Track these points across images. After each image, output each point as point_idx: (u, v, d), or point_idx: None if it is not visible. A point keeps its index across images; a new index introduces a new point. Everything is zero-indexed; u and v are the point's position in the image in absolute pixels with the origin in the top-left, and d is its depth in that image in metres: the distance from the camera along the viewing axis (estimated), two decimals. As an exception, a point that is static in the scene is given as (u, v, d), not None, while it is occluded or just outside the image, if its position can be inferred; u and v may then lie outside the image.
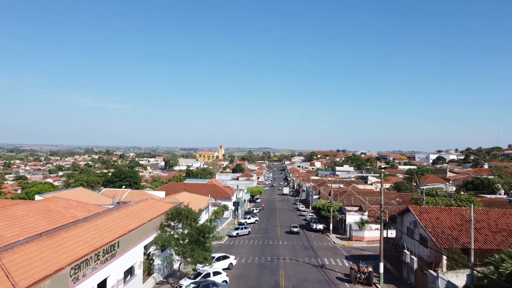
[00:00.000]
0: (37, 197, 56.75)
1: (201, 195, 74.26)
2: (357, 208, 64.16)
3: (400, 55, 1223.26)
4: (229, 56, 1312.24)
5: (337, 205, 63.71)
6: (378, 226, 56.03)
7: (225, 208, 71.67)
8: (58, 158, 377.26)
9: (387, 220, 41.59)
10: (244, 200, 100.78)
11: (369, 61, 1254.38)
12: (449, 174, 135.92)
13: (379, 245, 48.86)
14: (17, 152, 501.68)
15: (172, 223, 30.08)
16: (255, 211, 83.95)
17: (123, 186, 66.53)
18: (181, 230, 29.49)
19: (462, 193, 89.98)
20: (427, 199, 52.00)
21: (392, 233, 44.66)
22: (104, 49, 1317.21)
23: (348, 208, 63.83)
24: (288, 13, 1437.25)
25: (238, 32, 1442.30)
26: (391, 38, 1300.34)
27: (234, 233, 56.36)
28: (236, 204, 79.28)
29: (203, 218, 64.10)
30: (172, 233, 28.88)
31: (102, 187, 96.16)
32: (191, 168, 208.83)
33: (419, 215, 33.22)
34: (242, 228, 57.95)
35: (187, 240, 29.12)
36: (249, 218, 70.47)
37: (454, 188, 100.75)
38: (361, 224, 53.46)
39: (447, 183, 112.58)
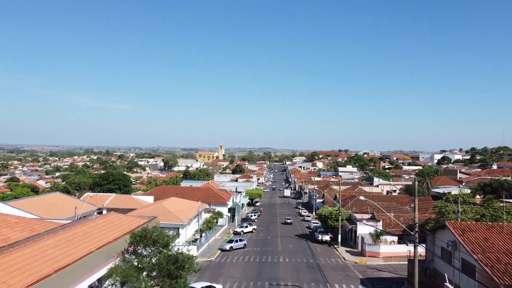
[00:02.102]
0: None
1: (193, 201, 66.79)
2: (368, 216, 56.46)
3: (399, 55, 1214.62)
4: (230, 56, 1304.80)
5: (346, 213, 55.95)
6: (394, 238, 48.41)
7: (219, 215, 64.03)
8: (57, 158, 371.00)
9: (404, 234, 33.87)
10: (242, 205, 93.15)
11: (369, 61, 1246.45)
12: (459, 175, 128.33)
13: (399, 263, 41.28)
14: (17, 152, 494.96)
15: (138, 249, 22.43)
16: (253, 217, 76.21)
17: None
18: (146, 258, 21.90)
19: (478, 196, 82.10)
20: (452, 207, 44.31)
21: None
22: (104, 49, 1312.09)
23: (358, 216, 56.12)
24: (288, 13, 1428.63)
25: (239, 32, 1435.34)
26: (392, 38, 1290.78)
27: (227, 246, 48.63)
28: (232, 210, 71.64)
29: (192, 229, 56.50)
30: (135, 262, 21.35)
31: (90, 191, 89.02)
32: (190, 169, 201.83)
33: (461, 234, 25.49)
34: (236, 241, 50.22)
35: (155, 273, 21.65)
36: (246, 226, 62.71)
37: (468, 191, 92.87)
38: (376, 236, 45.66)
39: (460, 186, 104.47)
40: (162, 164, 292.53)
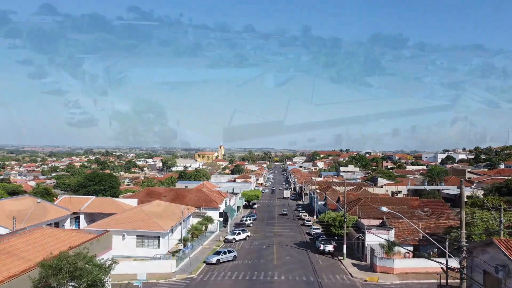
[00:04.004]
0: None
1: (181, 204, 60.03)
2: (378, 222, 49.54)
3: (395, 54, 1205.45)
4: (229, 56, 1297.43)
5: (352, 219, 48.89)
6: (409, 247, 41.39)
7: (208, 220, 57.17)
8: (54, 159, 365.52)
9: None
10: (238, 207, 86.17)
11: (368, 61, 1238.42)
12: (468, 175, 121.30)
13: (418, 281, 34.02)
14: (18, 153, 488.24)
15: (55, 285, 15.50)
16: (247, 222, 69.28)
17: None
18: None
19: (491, 197, 75.10)
20: (480, 214, 37.32)
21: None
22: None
23: (365, 221, 49.19)
24: (288, 13, 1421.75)
25: (238, 32, 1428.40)
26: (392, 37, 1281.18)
27: (214, 259, 41.54)
28: (224, 214, 64.70)
29: (177, 237, 49.37)
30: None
31: (73, 194, 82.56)
32: (189, 169, 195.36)
33: (518, 258, 18.50)
34: (225, 252, 43.15)
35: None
36: (239, 233, 55.70)
37: (481, 193, 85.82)
38: (388, 248, 38.63)
39: (472, 186, 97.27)
40: (160, 164, 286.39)
